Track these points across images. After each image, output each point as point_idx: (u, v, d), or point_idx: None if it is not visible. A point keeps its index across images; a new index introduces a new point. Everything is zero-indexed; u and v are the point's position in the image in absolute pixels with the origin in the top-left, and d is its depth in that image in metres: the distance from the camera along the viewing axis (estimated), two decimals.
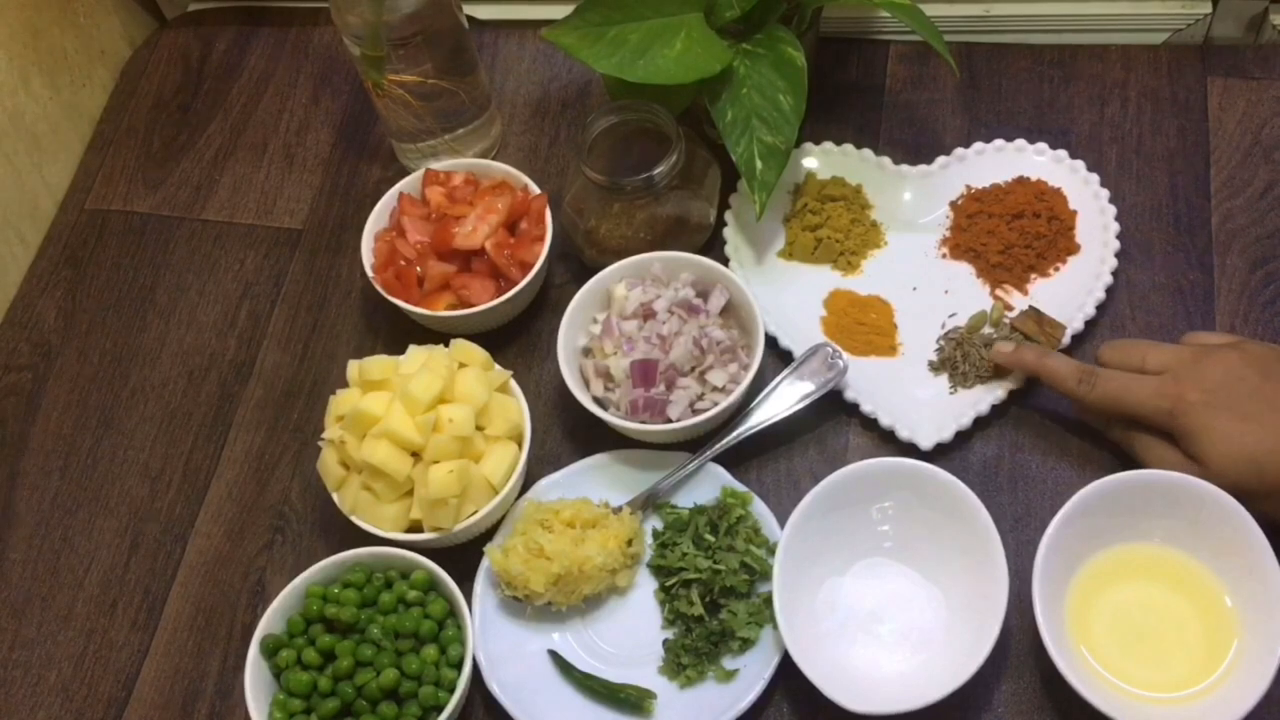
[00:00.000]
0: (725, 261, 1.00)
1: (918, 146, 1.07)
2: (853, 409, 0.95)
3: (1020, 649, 0.86)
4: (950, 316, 0.98)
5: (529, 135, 1.13)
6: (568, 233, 1.03)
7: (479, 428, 0.91)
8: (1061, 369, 0.90)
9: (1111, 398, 0.87)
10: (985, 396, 0.94)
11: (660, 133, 0.98)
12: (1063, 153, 1.02)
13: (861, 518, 0.89)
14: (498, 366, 0.95)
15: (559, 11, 0.97)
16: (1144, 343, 0.90)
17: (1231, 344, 0.87)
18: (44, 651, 0.96)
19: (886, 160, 1.04)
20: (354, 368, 0.92)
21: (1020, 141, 1.03)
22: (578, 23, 0.96)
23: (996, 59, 1.11)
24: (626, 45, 0.95)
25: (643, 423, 0.92)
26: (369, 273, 1.01)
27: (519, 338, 1.03)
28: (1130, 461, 0.89)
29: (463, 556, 0.92)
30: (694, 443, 0.95)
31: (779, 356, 0.97)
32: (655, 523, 0.93)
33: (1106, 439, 0.91)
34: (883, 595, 0.88)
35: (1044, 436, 0.94)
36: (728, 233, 1.02)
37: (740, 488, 0.92)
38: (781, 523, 0.88)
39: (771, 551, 0.89)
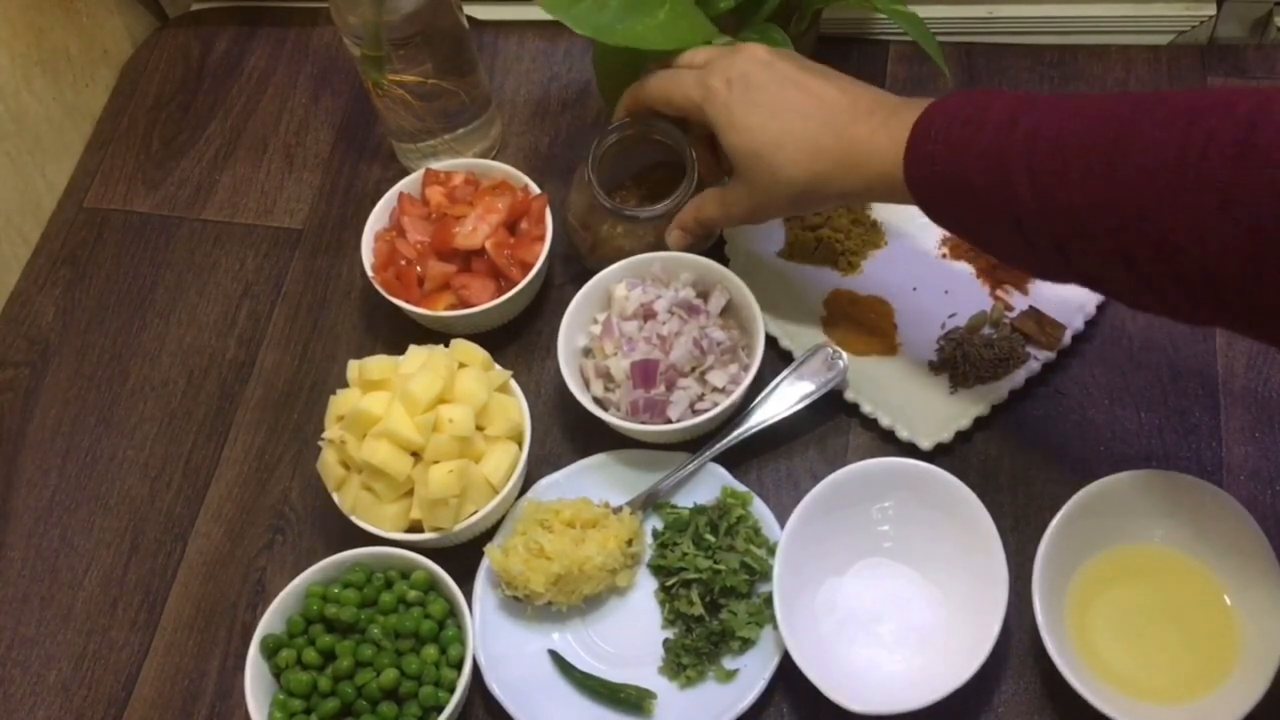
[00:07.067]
0: (725, 261, 1.00)
1: None
2: (853, 409, 0.95)
3: (1020, 649, 0.86)
4: (950, 316, 0.98)
5: (529, 135, 1.13)
6: (570, 240, 1.02)
7: (479, 428, 0.90)
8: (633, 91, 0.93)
9: (659, 92, 0.90)
10: (985, 396, 0.94)
11: (664, 145, 0.97)
12: None
13: (861, 518, 0.89)
14: (498, 366, 0.94)
15: None
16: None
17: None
18: (44, 651, 0.96)
19: None
20: (354, 368, 0.92)
21: None
22: None
23: (996, 59, 1.10)
24: (608, 8, 0.93)
25: (643, 423, 0.92)
26: (369, 273, 1.01)
27: (519, 338, 1.03)
28: (1130, 463, 0.88)
29: (463, 556, 0.91)
30: (694, 443, 0.95)
31: (779, 356, 0.97)
32: (655, 523, 0.93)
33: (1105, 440, 0.91)
34: (883, 595, 0.88)
35: (1044, 436, 0.94)
36: (728, 233, 1.02)
37: (740, 488, 0.92)
38: (781, 523, 0.88)
39: (771, 551, 0.89)
